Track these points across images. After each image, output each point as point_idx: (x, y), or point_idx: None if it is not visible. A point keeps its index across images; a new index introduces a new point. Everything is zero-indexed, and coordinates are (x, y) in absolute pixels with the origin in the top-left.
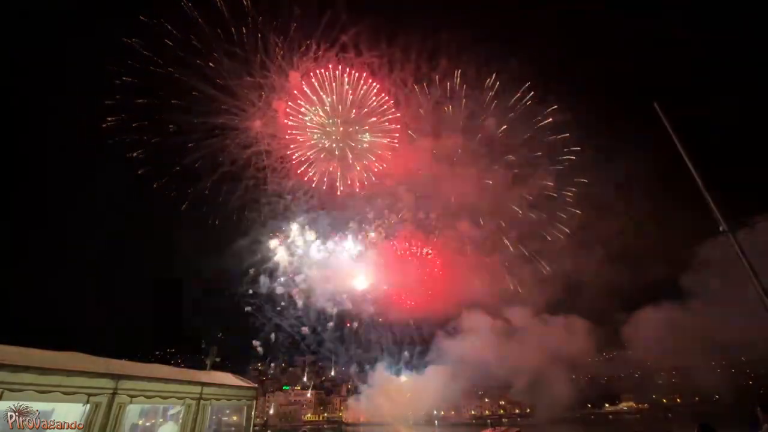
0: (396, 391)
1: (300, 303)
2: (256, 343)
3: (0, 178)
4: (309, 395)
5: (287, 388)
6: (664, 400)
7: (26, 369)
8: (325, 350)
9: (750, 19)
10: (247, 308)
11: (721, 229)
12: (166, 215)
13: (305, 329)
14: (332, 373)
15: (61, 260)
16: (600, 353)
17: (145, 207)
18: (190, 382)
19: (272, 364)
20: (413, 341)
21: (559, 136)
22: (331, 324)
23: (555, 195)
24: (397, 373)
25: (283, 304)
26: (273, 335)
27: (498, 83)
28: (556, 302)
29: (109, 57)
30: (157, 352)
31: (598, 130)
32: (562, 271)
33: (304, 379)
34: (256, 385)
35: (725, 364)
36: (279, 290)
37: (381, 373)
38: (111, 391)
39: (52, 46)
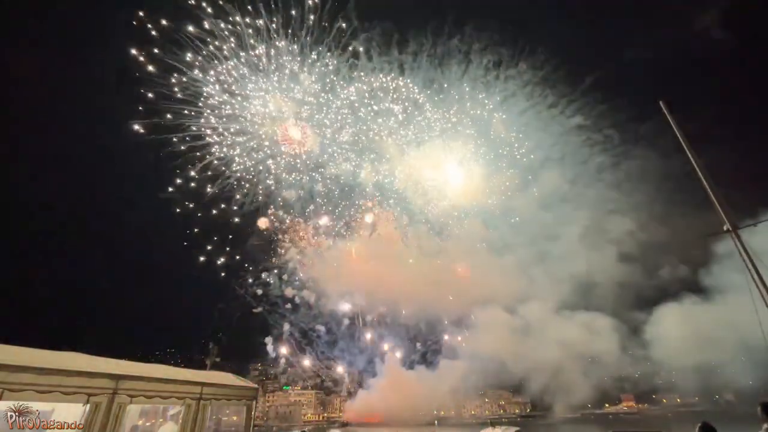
0: (406, 386)
1: (312, 301)
2: (268, 340)
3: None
4: (309, 395)
5: (287, 388)
6: (664, 400)
7: (26, 369)
8: (339, 349)
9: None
10: (257, 309)
11: (725, 228)
12: (170, 214)
13: (321, 327)
14: (339, 371)
15: (62, 261)
16: (610, 353)
17: (149, 206)
18: (190, 382)
19: (282, 360)
20: (426, 337)
21: (572, 138)
22: (346, 321)
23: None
24: (410, 366)
25: (298, 301)
26: (286, 329)
27: (507, 85)
28: (568, 302)
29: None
30: (157, 352)
31: (611, 132)
32: (574, 270)
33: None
34: (257, 386)
35: (725, 363)
36: (289, 292)
37: (392, 366)
38: (111, 391)
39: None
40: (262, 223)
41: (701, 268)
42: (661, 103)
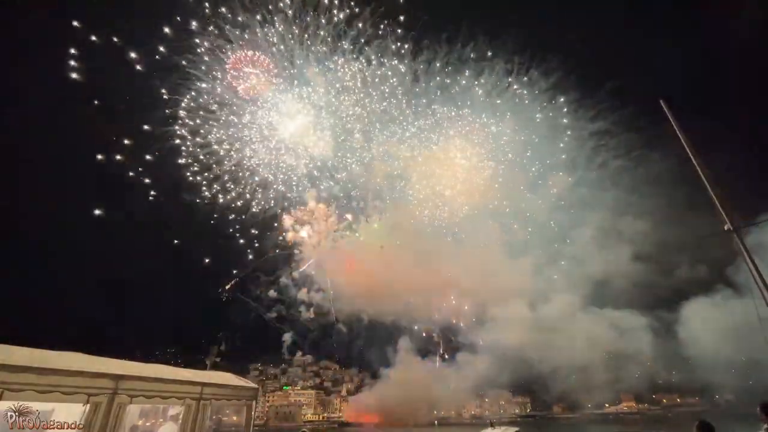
0: (420, 378)
1: (328, 301)
2: (286, 336)
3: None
4: (309, 395)
5: (287, 388)
6: (665, 400)
7: (26, 369)
8: (356, 348)
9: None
10: (273, 314)
11: (726, 228)
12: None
13: (341, 326)
14: (344, 371)
15: (62, 260)
16: (621, 352)
17: (153, 207)
18: (190, 382)
19: (299, 354)
20: (442, 333)
21: (590, 143)
22: (365, 320)
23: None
24: (423, 356)
25: (314, 301)
26: (301, 330)
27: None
28: (588, 300)
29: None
30: (157, 352)
31: (629, 135)
32: (591, 270)
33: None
34: (257, 386)
35: (724, 363)
36: (304, 294)
37: (404, 356)
38: (111, 391)
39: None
40: (287, 220)
41: (729, 266)
42: (661, 101)
